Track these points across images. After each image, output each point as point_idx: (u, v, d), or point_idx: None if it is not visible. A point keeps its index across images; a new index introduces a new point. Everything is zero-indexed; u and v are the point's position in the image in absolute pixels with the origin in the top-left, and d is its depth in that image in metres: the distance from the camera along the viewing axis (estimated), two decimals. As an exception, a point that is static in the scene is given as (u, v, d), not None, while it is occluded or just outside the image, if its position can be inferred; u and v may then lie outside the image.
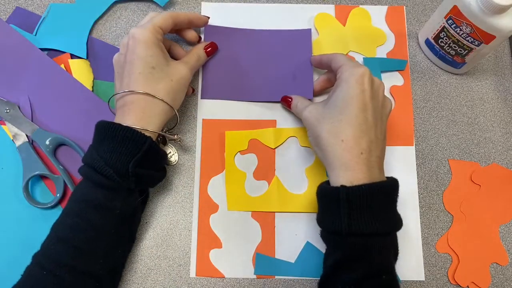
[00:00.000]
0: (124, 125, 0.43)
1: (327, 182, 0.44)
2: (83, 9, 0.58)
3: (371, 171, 0.42)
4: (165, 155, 0.49)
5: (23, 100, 0.53)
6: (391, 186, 0.43)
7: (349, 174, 0.41)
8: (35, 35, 0.56)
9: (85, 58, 0.56)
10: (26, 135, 0.52)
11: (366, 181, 0.41)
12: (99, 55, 0.56)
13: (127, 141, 0.43)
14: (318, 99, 0.56)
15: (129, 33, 0.46)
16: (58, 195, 0.50)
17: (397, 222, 0.43)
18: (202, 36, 0.58)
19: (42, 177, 0.52)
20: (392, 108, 0.51)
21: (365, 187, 0.40)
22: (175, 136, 0.50)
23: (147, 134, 0.44)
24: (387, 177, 0.44)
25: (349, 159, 0.42)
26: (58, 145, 0.52)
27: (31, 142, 0.52)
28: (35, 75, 0.54)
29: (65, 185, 0.50)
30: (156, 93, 0.45)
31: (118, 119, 0.45)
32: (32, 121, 0.52)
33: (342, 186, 0.40)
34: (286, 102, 0.53)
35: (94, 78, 0.55)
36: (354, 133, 0.42)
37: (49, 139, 0.51)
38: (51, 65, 0.54)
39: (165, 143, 0.53)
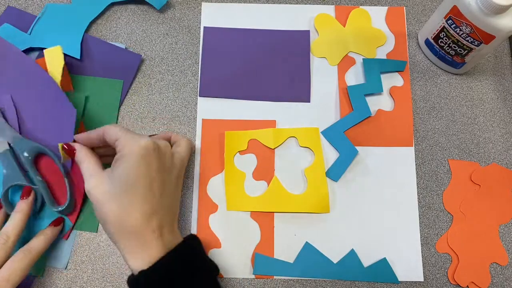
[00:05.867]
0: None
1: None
2: (79, 9, 0.58)
3: (165, 242, 0.41)
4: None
5: (7, 103, 0.51)
6: (189, 248, 0.43)
7: (145, 255, 0.40)
8: (30, 34, 0.56)
9: (79, 58, 0.55)
10: (8, 143, 0.49)
11: (163, 254, 0.40)
12: (96, 53, 0.56)
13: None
14: (314, 100, 0.56)
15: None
16: (37, 205, 0.49)
17: (211, 271, 0.43)
18: (201, 37, 0.58)
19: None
20: (186, 153, 0.49)
21: (162, 266, 0.39)
22: None
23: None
24: (185, 238, 0.44)
25: (142, 242, 0.40)
26: (37, 155, 0.50)
27: (12, 150, 0.49)
28: (15, 75, 0.51)
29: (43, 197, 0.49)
30: None
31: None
32: (18, 124, 0.50)
33: (141, 273, 0.39)
34: (67, 152, 0.46)
35: (88, 75, 0.55)
36: (143, 215, 0.40)
37: (28, 149, 0.48)
38: (29, 64, 0.51)
39: None
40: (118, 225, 0.40)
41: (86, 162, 0.44)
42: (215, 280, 0.43)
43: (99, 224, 0.51)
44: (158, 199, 0.42)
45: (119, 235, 0.41)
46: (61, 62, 0.52)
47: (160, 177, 0.42)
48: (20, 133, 0.50)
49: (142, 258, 0.40)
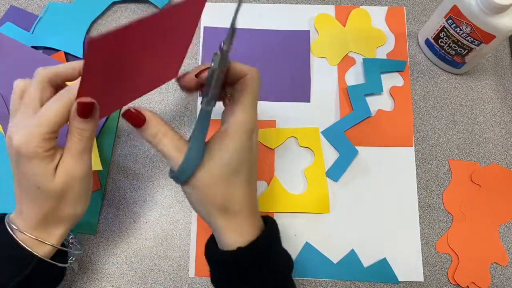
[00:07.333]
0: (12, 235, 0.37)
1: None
2: (81, 8, 0.58)
3: (257, 224, 0.41)
4: (61, 274, 0.42)
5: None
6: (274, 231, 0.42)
7: (242, 233, 0.40)
8: (32, 33, 0.56)
9: (81, 57, 0.56)
10: None
11: (256, 234, 0.40)
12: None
13: (7, 260, 0.37)
14: (314, 100, 0.56)
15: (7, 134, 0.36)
16: None
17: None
18: (201, 37, 0.58)
19: None
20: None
21: (259, 244, 0.39)
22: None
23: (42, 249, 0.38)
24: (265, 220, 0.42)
25: (241, 222, 0.40)
26: None
27: None
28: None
29: None
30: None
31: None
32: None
33: (239, 248, 0.39)
34: (132, 119, 0.38)
35: None
36: (246, 198, 0.40)
37: None
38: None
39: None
40: (222, 208, 0.39)
41: (168, 138, 0.38)
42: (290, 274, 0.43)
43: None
44: (254, 182, 0.41)
45: (219, 216, 0.39)
46: None
47: (255, 159, 0.41)
48: None
49: (240, 236, 0.39)
